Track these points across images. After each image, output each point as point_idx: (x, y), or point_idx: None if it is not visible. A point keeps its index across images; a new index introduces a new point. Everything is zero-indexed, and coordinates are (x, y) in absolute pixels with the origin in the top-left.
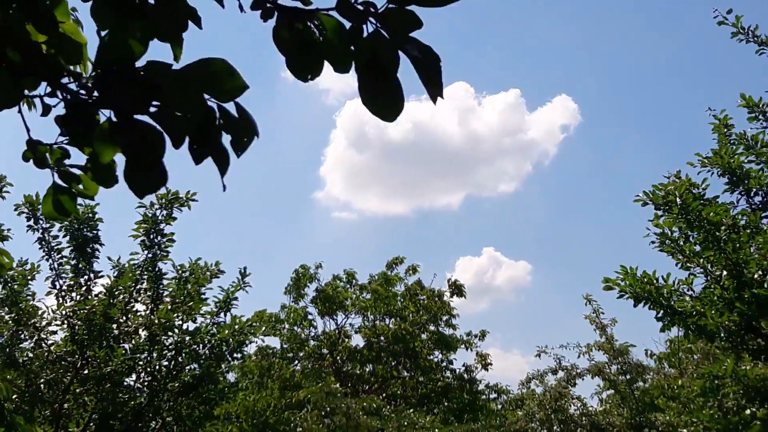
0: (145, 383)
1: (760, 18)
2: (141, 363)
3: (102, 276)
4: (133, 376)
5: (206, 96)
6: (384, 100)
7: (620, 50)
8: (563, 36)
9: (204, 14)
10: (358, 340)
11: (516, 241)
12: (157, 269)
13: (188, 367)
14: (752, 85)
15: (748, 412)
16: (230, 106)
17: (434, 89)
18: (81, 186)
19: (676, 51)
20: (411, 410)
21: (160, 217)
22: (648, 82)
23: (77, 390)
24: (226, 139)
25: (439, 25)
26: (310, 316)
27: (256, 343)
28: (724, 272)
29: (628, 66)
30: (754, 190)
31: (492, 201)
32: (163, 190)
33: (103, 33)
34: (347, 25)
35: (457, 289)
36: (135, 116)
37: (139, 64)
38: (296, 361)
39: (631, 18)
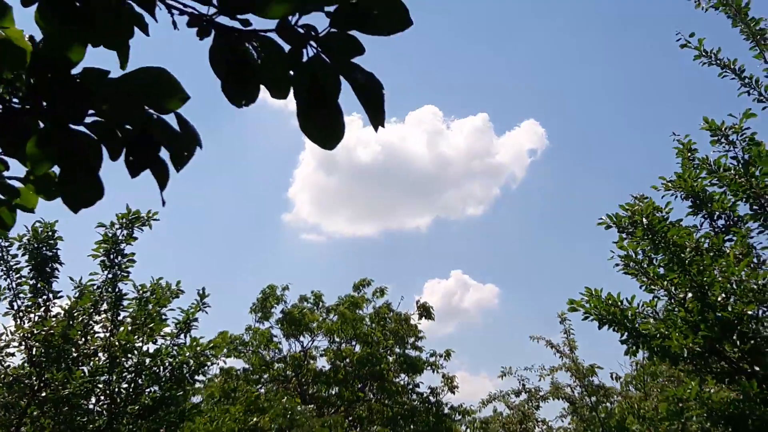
0: (105, 406)
1: (722, 41)
2: (100, 385)
3: (61, 296)
4: (93, 399)
5: (146, 107)
6: (324, 127)
7: (587, 75)
8: (531, 61)
9: (177, 31)
10: (323, 363)
11: (484, 264)
12: (117, 290)
13: (148, 390)
14: (716, 108)
15: None
16: (171, 119)
17: (376, 117)
18: (20, 198)
19: (642, 76)
20: (376, 427)
21: (120, 237)
22: (615, 107)
23: (34, 413)
24: (165, 153)
25: (408, 49)
26: (275, 338)
27: (218, 364)
28: (689, 294)
29: (596, 91)
30: (717, 213)
31: (460, 224)
32: (123, 210)
33: (38, 39)
34: (286, 48)
35: (425, 312)
36: (70, 125)
37: (77, 71)
38: (260, 384)
39: (599, 44)
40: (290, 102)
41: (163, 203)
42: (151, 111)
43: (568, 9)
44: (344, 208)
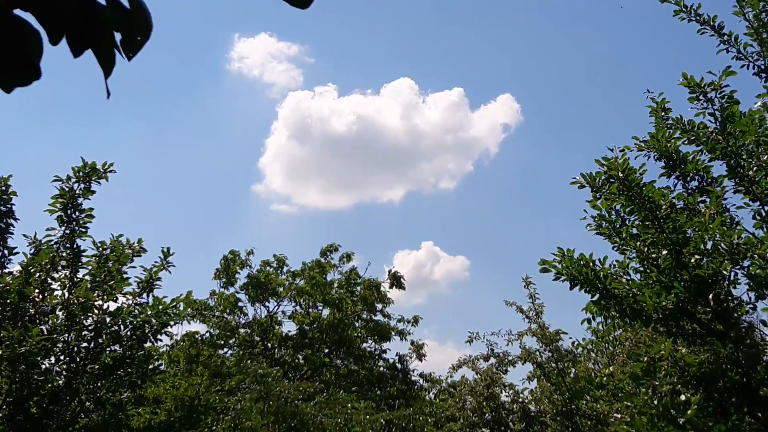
0: (63, 365)
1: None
2: (59, 344)
3: (17, 253)
4: (51, 358)
5: None
6: None
7: (564, 51)
8: (509, 37)
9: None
10: (290, 327)
11: (455, 236)
12: (75, 246)
13: (108, 349)
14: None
15: (682, 397)
16: None
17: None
18: None
19: (620, 51)
20: (342, 392)
21: (77, 191)
22: (590, 82)
23: None
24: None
25: (385, 21)
26: (240, 303)
27: (181, 324)
28: (664, 252)
29: (572, 67)
30: (691, 174)
31: (433, 197)
32: (79, 162)
33: None
34: None
35: (396, 281)
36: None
37: None
38: (226, 349)
39: (578, 20)
40: (265, 71)
41: (108, 95)
42: None
43: None
44: (317, 178)
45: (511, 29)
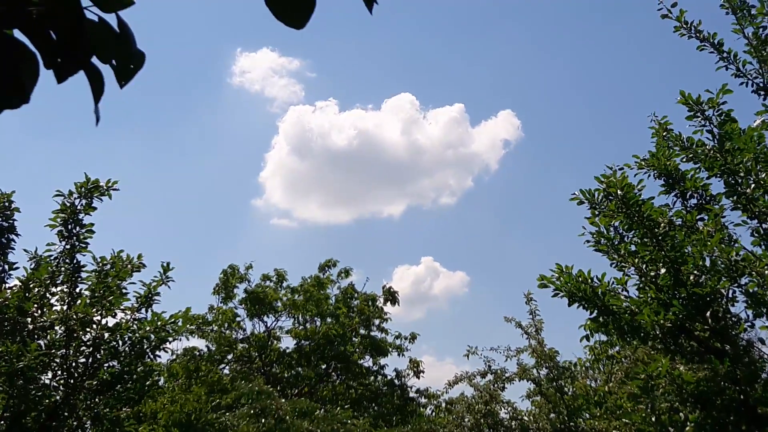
0: (61, 380)
1: (702, 17)
2: (57, 359)
3: (17, 268)
4: (49, 373)
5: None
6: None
7: (567, 69)
8: (509, 53)
9: (169, 17)
10: (288, 343)
11: (455, 252)
12: (75, 261)
13: (107, 364)
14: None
15: (681, 414)
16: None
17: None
18: None
19: (622, 70)
20: (339, 408)
21: (78, 207)
22: (592, 101)
23: None
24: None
25: (386, 36)
26: (238, 318)
27: (180, 340)
28: (662, 270)
29: (574, 85)
30: (690, 191)
31: (433, 212)
32: (81, 177)
33: None
34: None
35: (390, 296)
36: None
37: None
38: (224, 364)
39: (581, 37)
40: (266, 85)
41: (97, 119)
42: (92, 10)
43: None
44: (317, 193)
45: (512, 46)
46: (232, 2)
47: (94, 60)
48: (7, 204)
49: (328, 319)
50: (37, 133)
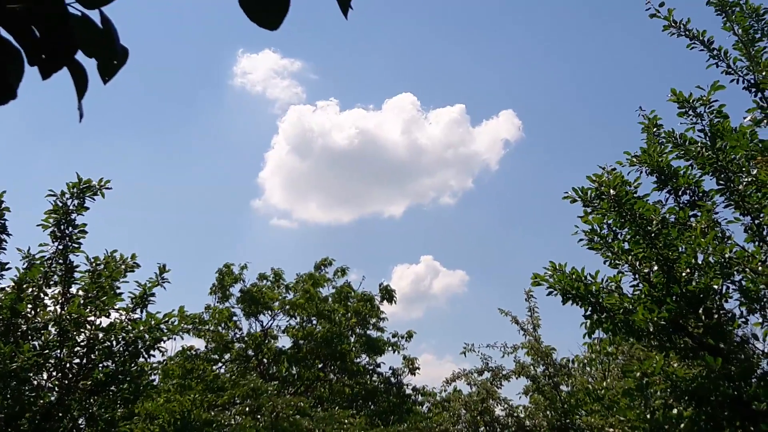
0: (56, 381)
1: (691, 14)
2: (51, 360)
3: (9, 268)
4: (43, 374)
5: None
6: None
7: (568, 68)
8: (510, 53)
9: (169, 15)
10: (284, 342)
11: (454, 251)
12: (68, 262)
13: (101, 365)
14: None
15: (675, 411)
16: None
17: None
18: None
19: (622, 69)
20: (337, 408)
21: (71, 207)
22: (593, 100)
23: None
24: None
25: (388, 36)
26: (235, 317)
27: (175, 339)
28: (655, 267)
29: (575, 85)
30: (682, 188)
31: (433, 212)
32: (74, 179)
33: None
34: None
35: (387, 294)
36: None
37: None
38: (220, 363)
39: (579, 36)
40: (268, 87)
41: (81, 116)
42: (75, 6)
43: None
44: (317, 193)
45: (513, 46)
46: (234, 3)
47: (79, 56)
48: None
49: (325, 319)
50: (33, 131)
